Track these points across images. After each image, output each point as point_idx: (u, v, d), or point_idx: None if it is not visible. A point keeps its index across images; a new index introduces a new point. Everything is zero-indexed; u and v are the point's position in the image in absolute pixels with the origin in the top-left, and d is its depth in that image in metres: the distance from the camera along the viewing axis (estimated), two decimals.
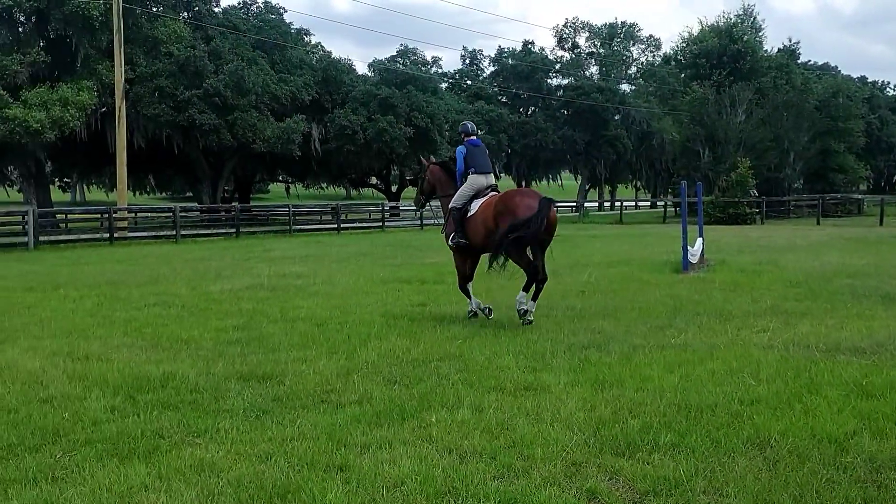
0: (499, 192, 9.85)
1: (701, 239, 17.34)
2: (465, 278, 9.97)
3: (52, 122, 31.14)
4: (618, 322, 9.32)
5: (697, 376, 6.50)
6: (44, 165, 38.31)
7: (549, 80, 64.10)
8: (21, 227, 26.06)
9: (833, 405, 5.55)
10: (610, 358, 7.28)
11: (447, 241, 10.08)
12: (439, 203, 10.60)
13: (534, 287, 9.15)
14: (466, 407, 5.64)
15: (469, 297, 9.95)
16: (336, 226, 34.93)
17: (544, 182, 68.72)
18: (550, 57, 65.10)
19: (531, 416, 5.46)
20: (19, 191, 45.91)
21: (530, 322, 9.00)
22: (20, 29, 33.77)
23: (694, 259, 15.49)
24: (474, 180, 9.76)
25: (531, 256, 9.20)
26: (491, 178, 10.05)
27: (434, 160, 10.96)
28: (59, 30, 33.02)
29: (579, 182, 68.69)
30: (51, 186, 47.76)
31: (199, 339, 8.39)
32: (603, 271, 15.04)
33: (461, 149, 10.03)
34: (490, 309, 9.69)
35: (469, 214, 9.61)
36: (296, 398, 5.97)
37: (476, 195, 9.70)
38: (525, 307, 9.06)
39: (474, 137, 10.12)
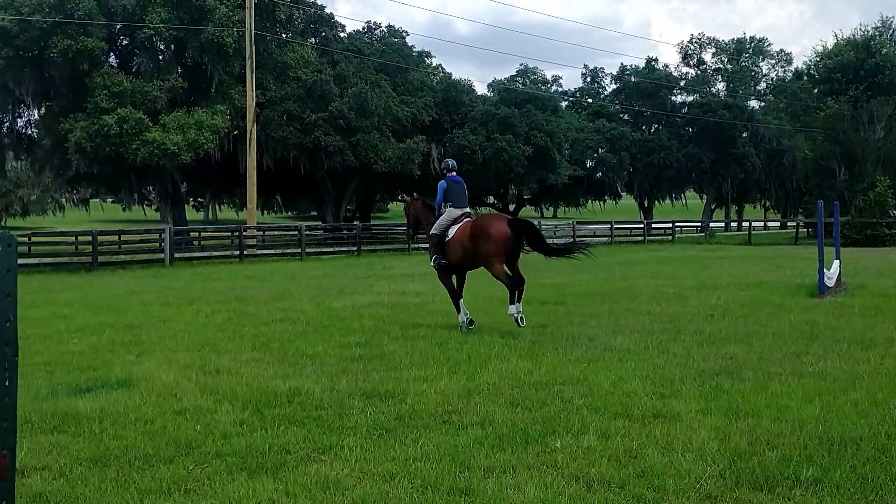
0: (472, 217, 11.18)
1: (838, 261, 16.36)
2: (453, 294, 11.17)
3: (188, 144, 32.91)
4: (750, 348, 8.85)
5: (839, 407, 6.07)
6: (179, 186, 40.47)
7: (673, 98, 62.55)
8: (158, 244, 27.55)
9: None
10: (743, 385, 6.90)
11: (431, 263, 11.49)
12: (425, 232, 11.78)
13: (516, 294, 10.37)
14: (592, 433, 5.44)
15: (459, 311, 10.97)
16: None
17: (668, 201, 66.85)
18: (675, 74, 63.58)
19: (661, 444, 5.22)
20: (157, 210, 48.59)
21: (524, 324, 10.21)
22: (160, 57, 35.93)
23: (830, 282, 14.60)
24: (451, 213, 11.12)
25: (508, 271, 10.60)
26: (467, 212, 11.38)
27: (415, 196, 12.65)
28: (195, 57, 34.92)
29: (704, 201, 66.48)
30: (185, 206, 50.40)
31: (323, 355, 8.53)
32: (732, 294, 14.40)
33: (442, 183, 11.33)
34: (472, 321, 10.77)
35: (448, 238, 11.05)
36: (418, 417, 5.93)
37: (453, 223, 11.09)
38: (517, 315, 10.26)
39: (454, 174, 11.42)
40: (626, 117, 60.85)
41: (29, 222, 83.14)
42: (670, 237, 43.57)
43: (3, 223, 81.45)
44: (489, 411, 6.08)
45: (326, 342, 9.38)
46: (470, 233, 10.68)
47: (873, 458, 4.84)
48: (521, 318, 10.27)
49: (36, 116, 38.43)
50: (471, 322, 10.72)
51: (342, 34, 45.74)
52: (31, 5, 31.34)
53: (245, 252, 28.54)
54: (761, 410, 6.01)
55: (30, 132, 39.76)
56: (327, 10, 44.07)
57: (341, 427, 5.69)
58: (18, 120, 39.53)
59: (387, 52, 45.22)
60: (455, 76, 51.94)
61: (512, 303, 10.34)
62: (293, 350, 8.87)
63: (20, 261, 24.26)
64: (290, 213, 74.99)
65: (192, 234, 36.54)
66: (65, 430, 5.72)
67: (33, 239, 29.08)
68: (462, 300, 11.07)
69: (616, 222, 44.98)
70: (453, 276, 11.31)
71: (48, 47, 31.69)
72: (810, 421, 5.66)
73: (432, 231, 11.31)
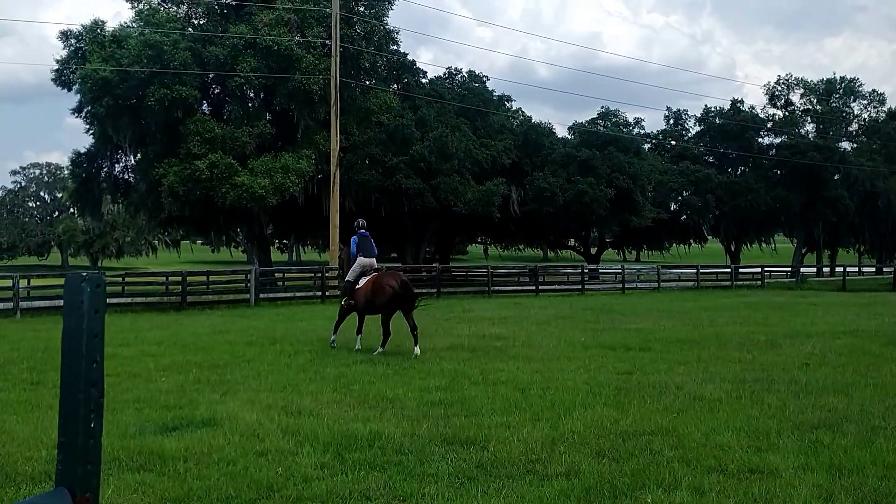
0: (378, 273, 13.60)
1: None
2: (340, 321, 13.75)
3: (274, 188, 33.80)
4: (850, 399, 8.38)
5: None
6: (265, 228, 41.50)
7: (760, 139, 61.08)
8: (244, 285, 28.18)
9: None
10: (845, 440, 6.50)
11: (341, 301, 14.07)
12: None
13: (414, 338, 12.63)
14: (685, 488, 5.18)
15: (335, 333, 13.59)
16: (534, 288, 34.80)
17: (756, 245, 64.88)
18: (761, 115, 62.15)
19: (759, 502, 4.92)
20: (243, 251, 49.85)
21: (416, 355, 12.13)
22: (250, 104, 37.18)
23: None
24: (361, 261, 13.54)
25: (406, 319, 12.93)
26: (374, 261, 13.83)
27: (341, 246, 15.23)
28: (283, 104, 36.00)
29: (794, 246, 64.28)
30: (271, 247, 51.65)
31: (403, 399, 8.45)
32: (827, 342, 13.74)
33: (354, 238, 13.79)
34: (335, 342, 13.48)
35: (357, 286, 13.39)
36: (500, 466, 5.77)
37: (363, 273, 13.45)
38: (417, 353, 12.30)
39: (363, 230, 13.87)
40: (710, 159, 59.65)
41: (123, 263, 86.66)
42: (759, 282, 42.16)
43: (99, 264, 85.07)
44: (574, 461, 5.86)
45: (407, 385, 9.31)
46: (371, 287, 13.14)
47: None
48: (416, 355, 12.19)
49: (132, 162, 40.12)
50: (333, 343, 13.45)
51: (424, 80, 46.50)
52: (130, 57, 32.92)
53: (327, 293, 28.90)
54: (866, 467, 5.64)
55: (126, 177, 41.52)
56: (409, 57, 44.81)
57: (422, 474, 5.57)
58: (116, 165, 41.37)
59: (467, 96, 45.70)
60: (535, 119, 52.17)
61: (415, 344, 12.58)
62: (374, 392, 8.82)
63: (114, 300, 25.24)
64: None
65: (276, 274, 37.31)
66: (150, 469, 5.77)
67: (127, 279, 30.21)
68: (360, 335, 13.42)
69: (702, 266, 43.87)
70: (354, 314, 13.71)
71: (145, 96, 33.14)
72: None
73: (347, 277, 13.72)
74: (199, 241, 65.50)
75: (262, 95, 37.09)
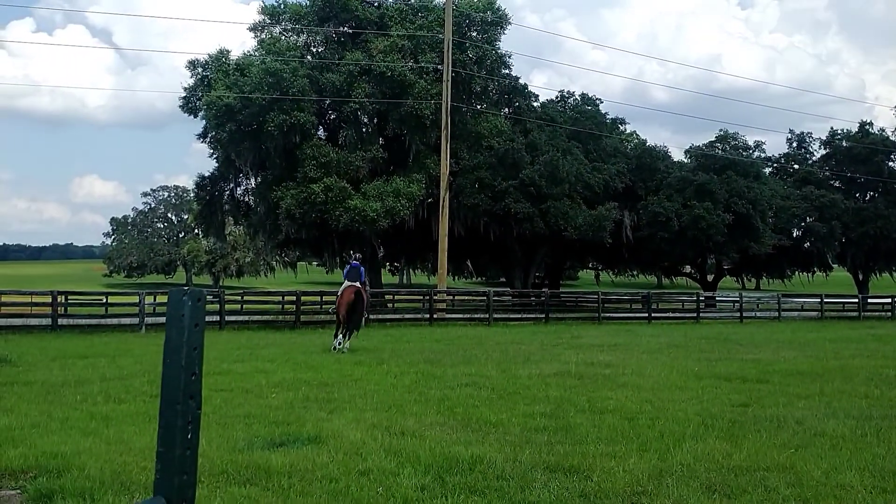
0: (350, 288, 18.37)
1: None
2: (338, 328, 18.20)
3: (385, 211, 34.48)
4: None
5: None
6: (377, 250, 42.30)
7: (891, 163, 57.79)
8: None
9: None
10: None
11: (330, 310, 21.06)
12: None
13: (349, 334, 17.90)
14: None
15: (335, 338, 17.80)
16: (647, 315, 33.94)
17: (886, 274, 61.13)
18: (893, 138, 58.83)
19: None
20: None
21: (342, 350, 17.10)
22: (363, 129, 38.12)
23: None
24: (344, 285, 18.63)
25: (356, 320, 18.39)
26: (355, 285, 18.44)
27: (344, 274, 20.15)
28: (395, 129, 36.79)
29: None
30: (382, 269, 52.53)
31: (506, 424, 8.35)
32: None
33: (346, 267, 19.78)
34: (339, 345, 17.49)
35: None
36: (604, 496, 5.59)
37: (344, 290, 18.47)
38: (339, 346, 17.32)
39: (355, 262, 19.18)
40: (836, 184, 56.84)
41: (243, 282, 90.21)
42: (890, 313, 39.70)
43: (220, 283, 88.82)
44: (682, 495, 5.62)
45: (511, 410, 9.20)
46: (338, 299, 18.62)
47: None
48: (344, 349, 17.05)
49: (252, 185, 41.81)
50: (337, 346, 17.36)
51: (535, 103, 46.50)
52: (252, 84, 34.41)
53: (435, 316, 29.12)
54: None
55: (247, 199, 43.29)
56: (521, 81, 44.90)
57: (523, 500, 5.47)
58: (237, 188, 43.24)
59: (579, 119, 45.32)
60: (650, 142, 51.17)
61: (346, 339, 17.62)
62: (477, 416, 8.76)
63: (233, 318, 26.25)
64: (479, 279, 76.12)
65: (386, 296, 37.92)
66: (256, 483, 5.90)
67: (245, 297, 31.35)
68: (346, 338, 17.70)
69: (826, 295, 41.71)
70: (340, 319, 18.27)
71: (265, 122, 34.52)
72: None
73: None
74: (315, 263, 67.40)
75: (375, 120, 38.02)
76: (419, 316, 29.57)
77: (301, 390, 10.68)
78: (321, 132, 39.45)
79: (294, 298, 27.75)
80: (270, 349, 17.45)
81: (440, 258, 33.16)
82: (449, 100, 32.30)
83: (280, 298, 30.96)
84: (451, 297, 35.43)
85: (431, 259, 54.22)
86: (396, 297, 38.92)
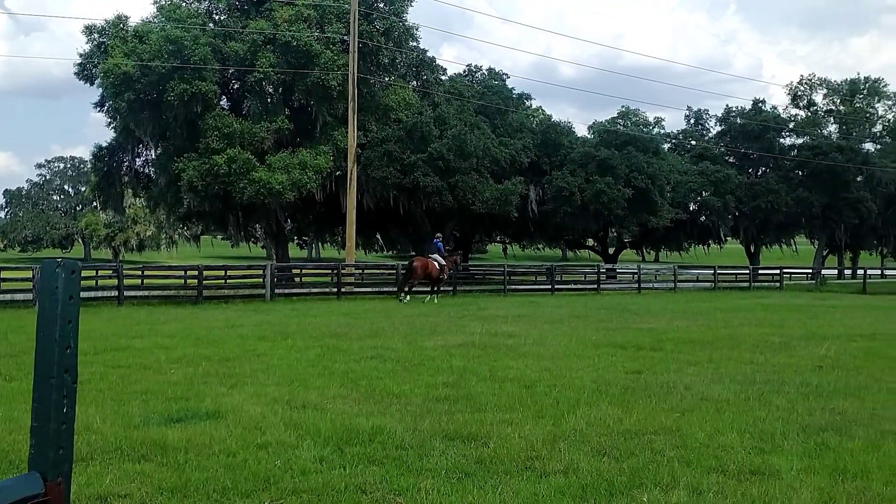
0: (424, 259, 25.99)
1: None
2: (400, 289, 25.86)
3: (292, 184, 33.95)
4: (862, 403, 8.29)
5: None
6: (283, 224, 41.69)
7: (781, 140, 60.47)
8: (261, 279, 28.34)
9: None
10: (852, 443, 6.43)
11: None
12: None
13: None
14: (682, 488, 5.14)
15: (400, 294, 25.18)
16: (550, 286, 34.71)
17: (776, 247, 64.28)
18: (783, 115, 61.56)
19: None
20: (262, 247, 50.12)
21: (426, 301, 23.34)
22: (268, 100, 37.30)
23: None
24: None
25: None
26: (427, 257, 26.46)
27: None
28: (301, 100, 36.13)
29: (816, 247, 63.64)
30: (290, 243, 51.84)
31: (409, 394, 8.45)
32: (843, 345, 13.61)
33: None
34: (403, 298, 23.91)
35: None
36: (499, 462, 5.76)
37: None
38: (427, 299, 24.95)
39: (436, 239, 27.40)
40: (731, 160, 59.16)
41: (144, 257, 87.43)
42: (778, 284, 41.82)
43: (121, 257, 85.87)
44: (574, 459, 5.84)
45: (414, 381, 9.31)
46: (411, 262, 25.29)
47: None
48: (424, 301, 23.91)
49: (153, 156, 40.44)
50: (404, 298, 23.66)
51: (443, 77, 46.47)
52: (151, 52, 33.18)
53: (343, 290, 28.99)
54: (871, 472, 5.57)
55: (147, 171, 41.86)
56: (429, 54, 44.79)
57: (420, 469, 5.58)
58: (137, 159, 41.73)
59: (486, 94, 45.60)
60: (557, 118, 52.02)
61: (406, 296, 25.10)
62: (380, 388, 8.83)
63: (132, 293, 25.46)
64: (390, 253, 76.06)
65: (293, 270, 37.46)
66: (151, 459, 5.82)
67: (145, 272, 30.43)
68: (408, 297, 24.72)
69: (720, 267, 43.56)
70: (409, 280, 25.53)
71: (166, 91, 33.40)
72: None
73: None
74: (219, 237, 65.89)
75: (280, 91, 37.24)
76: (327, 290, 29.37)
77: (201, 366, 10.51)
78: (224, 102, 38.43)
79: (196, 273, 27.12)
80: (171, 325, 17.05)
81: (348, 231, 32.95)
82: (356, 71, 31.93)
83: (182, 273, 30.15)
84: (359, 271, 35.27)
85: (341, 233, 53.85)
86: (304, 270, 38.47)
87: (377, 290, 31.32)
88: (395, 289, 29.96)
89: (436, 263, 27.03)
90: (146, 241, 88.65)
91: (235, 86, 38.71)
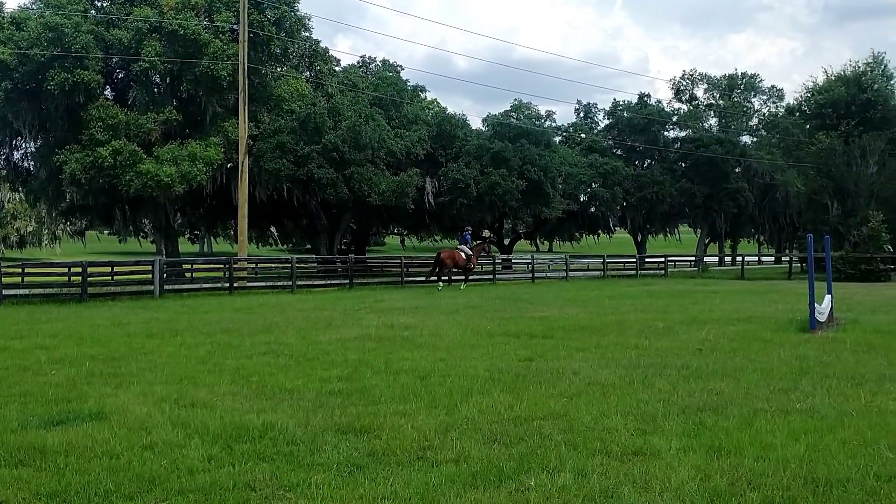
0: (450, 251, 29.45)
1: (830, 296, 16.27)
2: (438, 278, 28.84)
3: (181, 176, 32.93)
4: (737, 383, 8.73)
5: (826, 446, 5.93)
6: (172, 218, 40.41)
7: (665, 133, 62.93)
8: (149, 275, 27.39)
9: None
10: (727, 422, 6.77)
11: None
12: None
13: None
14: (568, 471, 5.32)
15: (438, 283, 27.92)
16: (447, 278, 34.97)
17: (661, 236, 66.90)
18: (667, 109, 64.03)
19: (638, 484, 5.09)
20: (152, 241, 48.38)
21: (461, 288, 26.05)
22: (155, 90, 35.99)
23: (822, 318, 14.49)
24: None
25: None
26: (461, 247, 30.51)
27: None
28: (190, 90, 35.03)
29: (698, 236, 66.59)
30: (180, 238, 50.28)
31: (302, 389, 8.38)
32: (722, 329, 14.29)
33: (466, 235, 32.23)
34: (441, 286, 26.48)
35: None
36: (391, 454, 5.80)
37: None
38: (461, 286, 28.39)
39: (465, 232, 32.44)
40: (619, 152, 61.12)
41: (26, 253, 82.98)
42: (663, 271, 43.51)
43: (0, 254, 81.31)
44: (465, 447, 5.95)
45: (307, 376, 9.24)
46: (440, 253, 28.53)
47: (861, 501, 4.71)
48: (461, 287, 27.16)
49: (32, 148, 38.48)
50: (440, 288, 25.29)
51: (337, 68, 46.04)
52: (29, 39, 31.55)
53: (236, 284, 28.37)
54: (744, 448, 5.88)
55: (26, 163, 39.80)
56: (323, 45, 44.30)
57: (311, 464, 5.56)
58: (15, 152, 39.61)
59: (381, 85, 45.47)
60: (452, 111, 52.39)
61: (444, 284, 26.31)
62: (272, 383, 8.72)
63: (11, 291, 24.16)
64: (285, 247, 74.84)
65: (184, 266, 36.39)
66: (29, 464, 5.58)
67: (26, 270, 28.96)
68: (445, 283, 26.31)
69: (609, 256, 44.95)
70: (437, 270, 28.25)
71: (45, 80, 31.83)
72: (795, 460, 5.53)
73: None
74: (106, 232, 63.19)
75: (168, 81, 35.97)
76: (219, 285, 28.69)
77: (85, 366, 10.11)
78: (108, 92, 36.89)
79: (80, 270, 25.97)
80: (53, 324, 16.29)
81: (240, 225, 32.25)
82: (246, 61, 31.24)
83: (66, 270, 28.84)
84: (252, 265, 34.60)
85: (233, 226, 52.61)
86: (195, 265, 37.42)
87: (271, 284, 30.81)
88: (290, 282, 29.60)
89: (462, 254, 30.49)
90: (27, 237, 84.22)
91: (120, 75, 37.22)
